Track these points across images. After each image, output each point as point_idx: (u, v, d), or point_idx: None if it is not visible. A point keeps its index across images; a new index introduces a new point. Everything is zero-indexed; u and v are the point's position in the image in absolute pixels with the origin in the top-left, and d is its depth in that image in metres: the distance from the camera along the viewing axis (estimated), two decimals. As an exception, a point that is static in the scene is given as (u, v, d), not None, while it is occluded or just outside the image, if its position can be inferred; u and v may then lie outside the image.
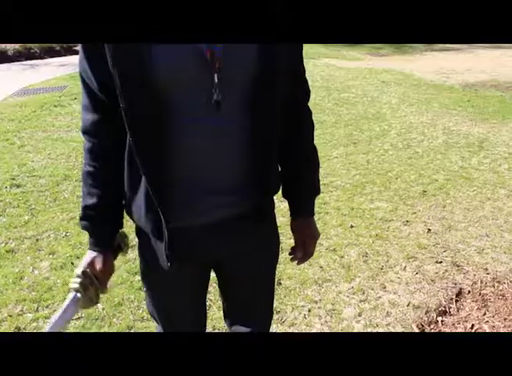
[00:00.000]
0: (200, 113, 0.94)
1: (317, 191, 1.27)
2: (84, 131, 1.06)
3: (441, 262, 2.69)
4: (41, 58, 10.31)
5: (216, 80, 0.92)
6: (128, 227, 1.21)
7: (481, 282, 2.49)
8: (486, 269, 2.61)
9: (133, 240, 2.81)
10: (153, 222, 1.04)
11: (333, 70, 8.62)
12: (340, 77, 8.05)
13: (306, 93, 1.18)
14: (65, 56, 10.34)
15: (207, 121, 0.95)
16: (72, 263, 2.63)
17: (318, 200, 3.32)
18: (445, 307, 2.31)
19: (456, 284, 2.49)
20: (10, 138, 4.74)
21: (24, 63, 9.94)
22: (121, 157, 1.03)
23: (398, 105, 6.13)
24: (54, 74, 8.14)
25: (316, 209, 3.30)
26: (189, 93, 0.93)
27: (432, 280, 2.52)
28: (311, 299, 2.36)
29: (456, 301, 2.36)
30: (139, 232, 1.15)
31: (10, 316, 2.22)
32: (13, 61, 10.07)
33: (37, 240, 2.90)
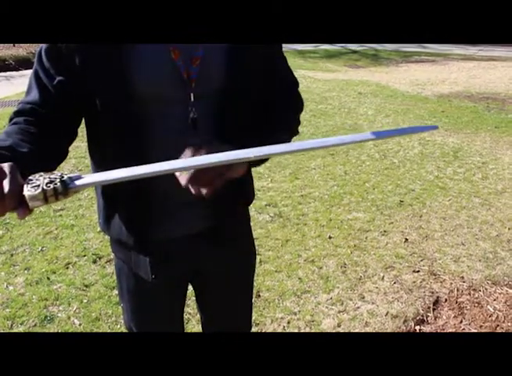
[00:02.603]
0: (177, 130, 0.96)
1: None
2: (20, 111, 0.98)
3: (418, 271, 2.72)
4: (16, 70, 10.18)
5: (192, 99, 0.95)
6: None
7: (458, 290, 2.53)
8: (462, 278, 2.65)
9: (110, 253, 2.77)
10: (135, 235, 1.06)
11: (310, 82, 8.70)
12: (317, 88, 8.13)
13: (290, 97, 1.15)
14: (40, 68, 10.20)
15: (183, 136, 0.95)
16: (48, 278, 2.59)
17: (296, 212, 3.38)
18: (422, 316, 2.33)
19: (433, 293, 2.51)
20: (-16, 151, 4.64)
21: (-1, 74, 9.81)
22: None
23: (374, 116, 6.22)
24: (29, 85, 8.02)
25: (295, 220, 3.33)
26: (165, 110, 0.95)
27: (410, 290, 2.54)
28: (290, 311, 2.36)
29: (434, 309, 2.38)
30: (117, 247, 1.15)
31: (-17, 333, 2.17)
32: (-13, 73, 9.92)
33: (11, 255, 2.84)
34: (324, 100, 7.17)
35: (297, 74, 1.24)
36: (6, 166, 0.71)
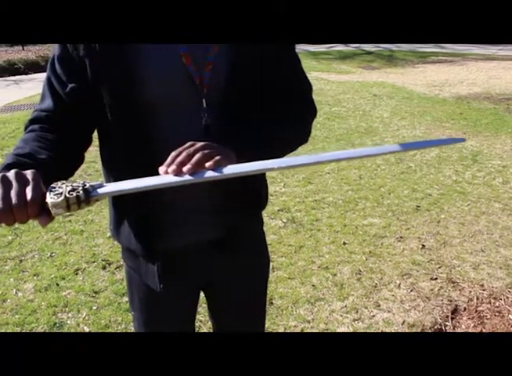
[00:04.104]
0: (190, 136, 0.93)
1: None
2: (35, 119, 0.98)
3: (436, 279, 2.64)
4: (25, 73, 10.30)
5: (205, 105, 0.95)
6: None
7: (477, 298, 2.45)
8: (482, 285, 2.57)
9: (120, 260, 2.74)
10: (144, 244, 1.05)
11: (323, 84, 8.63)
12: (331, 90, 8.06)
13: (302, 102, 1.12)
14: (49, 71, 10.32)
15: None
16: (57, 284, 2.57)
17: (310, 217, 3.32)
18: (440, 325, 2.26)
19: (451, 301, 2.44)
20: (-7, 155, 4.68)
21: (8, 78, 9.94)
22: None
23: (390, 119, 6.13)
24: (38, 89, 8.06)
25: (308, 226, 3.28)
26: (177, 116, 0.95)
27: (427, 298, 2.47)
28: (303, 319, 2.30)
29: (452, 318, 2.31)
30: (127, 255, 1.15)
31: (-8, 340, 2.14)
32: (-3, 77, 10.06)
33: (20, 260, 2.83)
34: (338, 103, 7.10)
35: (311, 75, 1.22)
36: (29, 173, 0.73)
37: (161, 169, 0.78)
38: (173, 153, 0.80)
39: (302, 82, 1.11)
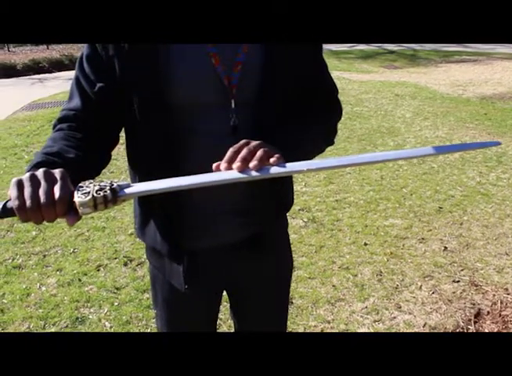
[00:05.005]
0: (217, 136, 0.95)
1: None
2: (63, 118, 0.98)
3: (458, 282, 2.60)
4: (50, 72, 10.47)
5: (233, 105, 0.94)
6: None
7: (501, 302, 2.40)
8: (506, 289, 2.52)
9: (141, 256, 2.77)
10: (170, 244, 1.05)
11: (345, 84, 8.58)
12: (352, 90, 8.00)
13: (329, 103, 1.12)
14: (73, 70, 10.43)
15: (223, 143, 0.94)
16: (79, 280, 2.60)
17: (331, 217, 3.30)
18: (463, 328, 2.22)
19: (474, 305, 2.40)
20: (18, 152, 4.77)
21: (33, 77, 10.14)
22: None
23: (412, 119, 6.06)
24: (62, 88, 8.24)
25: (329, 226, 3.26)
26: (205, 116, 0.95)
27: (449, 300, 2.43)
28: (323, 319, 2.29)
29: (475, 322, 2.27)
30: (152, 254, 1.15)
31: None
32: (22, 75, 10.25)
33: (44, 256, 2.88)
34: (360, 102, 7.05)
35: (332, 75, 1.20)
36: (57, 172, 0.73)
37: (222, 165, 0.77)
38: (231, 150, 0.79)
39: (330, 83, 1.12)
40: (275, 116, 0.98)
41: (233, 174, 0.76)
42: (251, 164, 0.76)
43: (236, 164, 0.76)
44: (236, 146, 0.80)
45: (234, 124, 0.95)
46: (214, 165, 0.79)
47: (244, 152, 0.78)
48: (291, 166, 0.77)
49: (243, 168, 0.76)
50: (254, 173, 0.76)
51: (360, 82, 8.83)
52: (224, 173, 0.77)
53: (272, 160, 0.77)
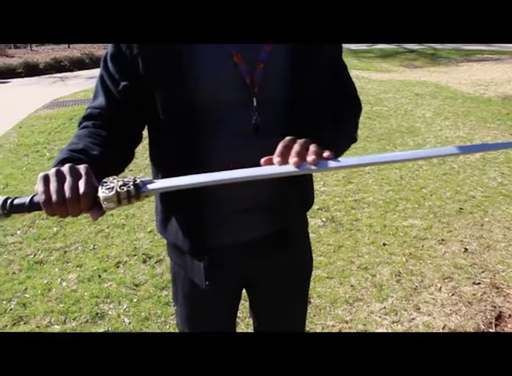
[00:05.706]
0: (239, 134, 0.96)
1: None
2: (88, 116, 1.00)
3: (479, 284, 2.56)
4: (71, 70, 10.63)
5: (255, 103, 0.95)
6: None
7: (523, 306, 2.36)
8: (528, 292, 2.48)
9: (160, 254, 2.79)
10: (192, 241, 1.06)
11: (364, 83, 8.52)
12: (372, 89, 7.95)
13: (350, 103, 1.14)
14: (93, 68, 10.65)
15: (245, 142, 0.96)
16: (99, 276, 2.64)
17: (349, 217, 3.28)
18: (483, 331, 2.19)
19: (495, 307, 2.36)
20: (40, 150, 4.84)
21: (54, 75, 10.29)
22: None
23: (432, 119, 5.99)
24: (83, 86, 8.36)
25: (347, 226, 3.24)
26: (227, 114, 0.95)
27: (469, 303, 2.40)
28: (341, 319, 2.29)
29: (496, 325, 2.24)
30: (173, 251, 1.16)
31: (38, 327, 2.22)
32: (44, 74, 10.41)
33: (65, 252, 2.92)
34: (379, 102, 6.99)
35: (351, 74, 1.20)
36: (82, 168, 0.74)
37: (275, 159, 0.77)
38: (282, 144, 0.79)
39: (349, 82, 1.13)
40: (298, 115, 0.98)
41: (276, 168, 0.76)
42: (309, 159, 0.76)
43: (293, 159, 0.76)
44: (286, 140, 0.80)
45: (256, 123, 0.95)
46: (264, 159, 0.78)
47: (298, 146, 0.78)
48: (344, 161, 0.77)
49: (301, 163, 0.76)
50: (312, 167, 0.76)
51: (380, 81, 8.76)
52: (267, 168, 0.77)
53: (325, 154, 0.77)
